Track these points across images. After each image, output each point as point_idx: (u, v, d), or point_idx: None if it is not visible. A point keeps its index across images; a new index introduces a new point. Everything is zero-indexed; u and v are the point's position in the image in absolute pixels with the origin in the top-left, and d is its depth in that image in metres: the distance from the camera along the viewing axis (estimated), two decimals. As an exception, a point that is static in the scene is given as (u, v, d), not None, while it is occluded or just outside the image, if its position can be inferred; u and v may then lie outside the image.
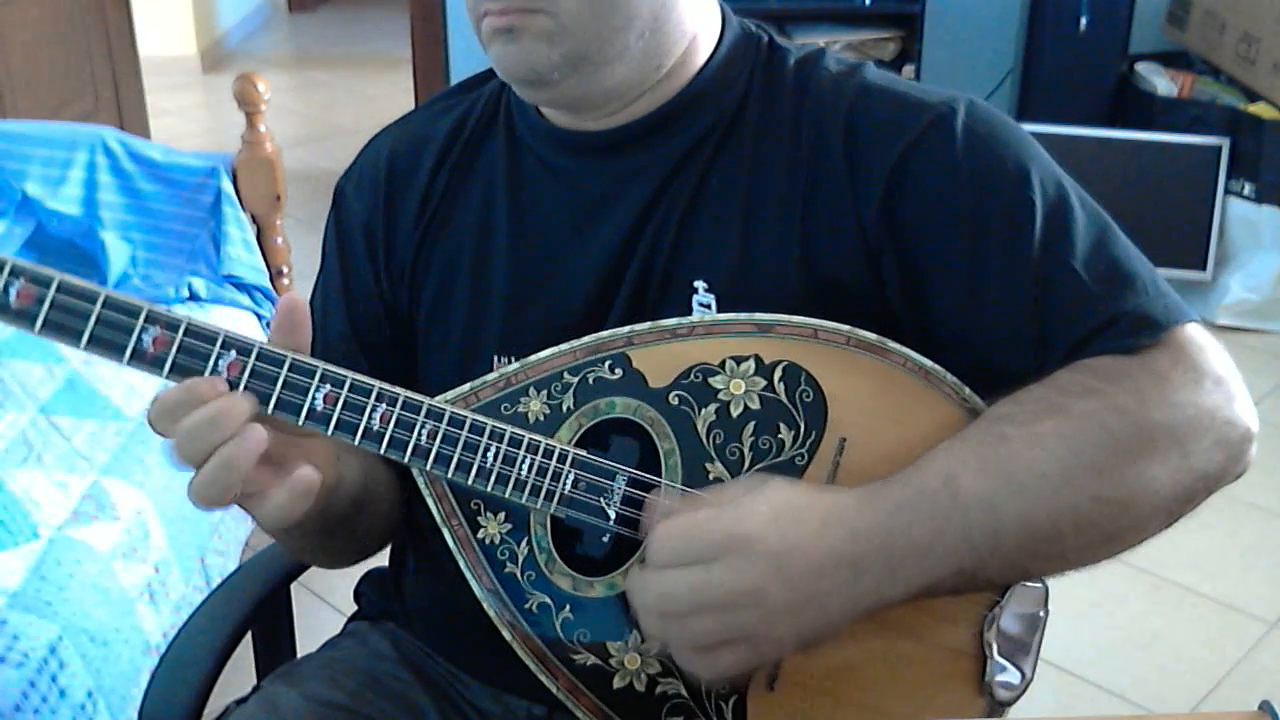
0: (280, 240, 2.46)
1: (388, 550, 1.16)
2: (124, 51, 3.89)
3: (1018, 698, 0.91)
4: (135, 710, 1.08)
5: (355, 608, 1.20)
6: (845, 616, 0.80)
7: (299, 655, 1.19)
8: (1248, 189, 3.19)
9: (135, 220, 2.40)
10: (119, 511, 1.72)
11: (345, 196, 1.08)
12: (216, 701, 1.08)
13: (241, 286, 2.37)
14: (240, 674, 1.16)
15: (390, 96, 5.13)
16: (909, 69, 3.46)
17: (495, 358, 0.98)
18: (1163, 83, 3.37)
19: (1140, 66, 3.47)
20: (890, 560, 0.80)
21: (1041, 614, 0.92)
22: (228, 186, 2.36)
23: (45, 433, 1.84)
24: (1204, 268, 3.24)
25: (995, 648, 0.89)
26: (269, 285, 2.41)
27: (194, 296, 2.30)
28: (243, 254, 2.36)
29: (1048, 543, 0.83)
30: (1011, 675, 0.91)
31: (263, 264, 2.41)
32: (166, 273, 2.38)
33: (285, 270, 2.48)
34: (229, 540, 1.99)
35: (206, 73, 5.57)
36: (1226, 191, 3.21)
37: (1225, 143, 3.18)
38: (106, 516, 1.70)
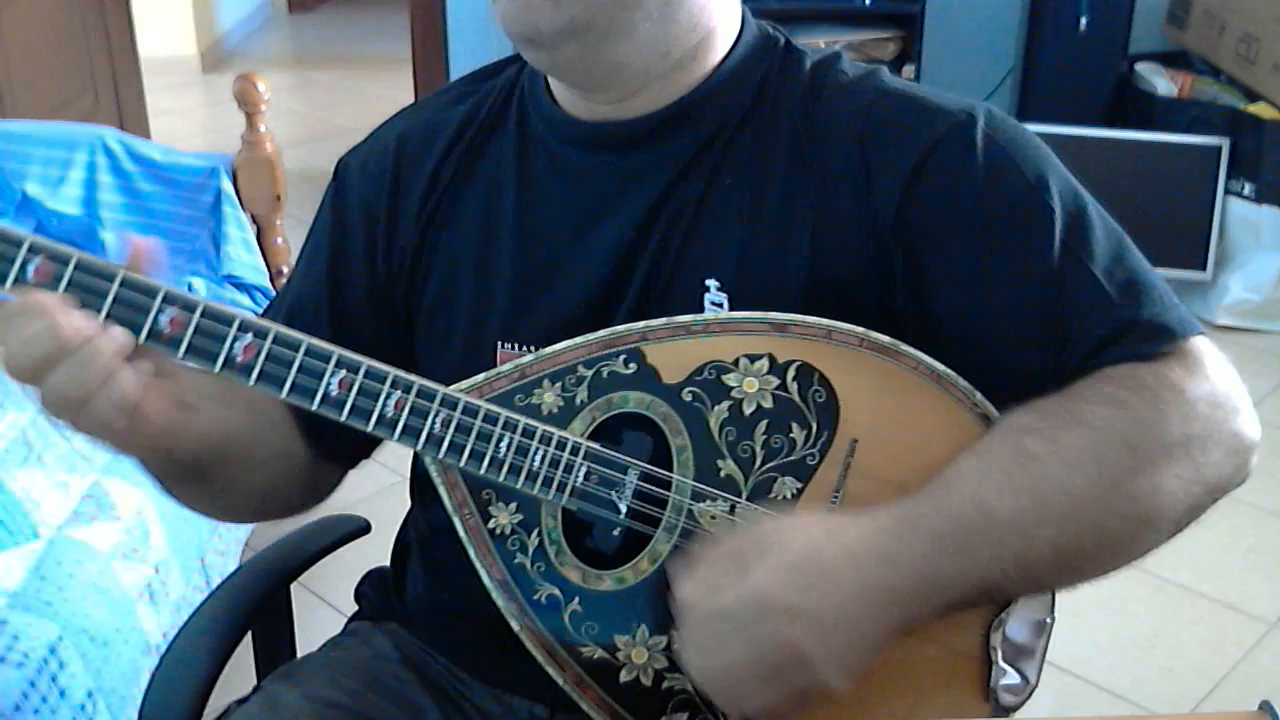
0: (280, 240, 2.46)
1: (389, 550, 1.16)
2: (124, 51, 3.89)
3: (1022, 703, 0.92)
4: (135, 710, 1.08)
5: (355, 608, 1.20)
6: (883, 640, 0.81)
7: (299, 655, 1.19)
8: (1248, 189, 3.19)
9: (135, 220, 2.40)
10: (119, 511, 1.72)
11: (348, 170, 1.07)
12: (216, 701, 1.08)
13: (242, 286, 2.37)
14: (240, 674, 1.16)
15: (390, 96, 5.12)
16: (909, 69, 3.46)
17: (499, 344, 0.98)
18: (1163, 83, 3.37)
19: (1140, 66, 3.47)
20: (920, 588, 0.80)
21: (1047, 620, 0.92)
22: (228, 186, 2.36)
23: (45, 433, 1.84)
24: (1204, 268, 3.23)
25: (1000, 653, 0.89)
26: (269, 285, 2.41)
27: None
28: (243, 254, 2.36)
29: (1072, 559, 0.83)
30: (1016, 680, 0.91)
31: (263, 264, 2.41)
32: (166, 273, 2.38)
33: (285, 270, 2.48)
34: (229, 540, 1.99)
35: (206, 73, 5.56)
36: (1226, 191, 3.21)
37: (1225, 143, 3.18)
38: (106, 516, 1.70)
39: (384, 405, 0.86)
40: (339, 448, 1.06)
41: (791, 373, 0.87)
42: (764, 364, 0.88)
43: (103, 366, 0.80)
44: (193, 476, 0.97)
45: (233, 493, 1.02)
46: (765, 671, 0.79)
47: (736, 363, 0.88)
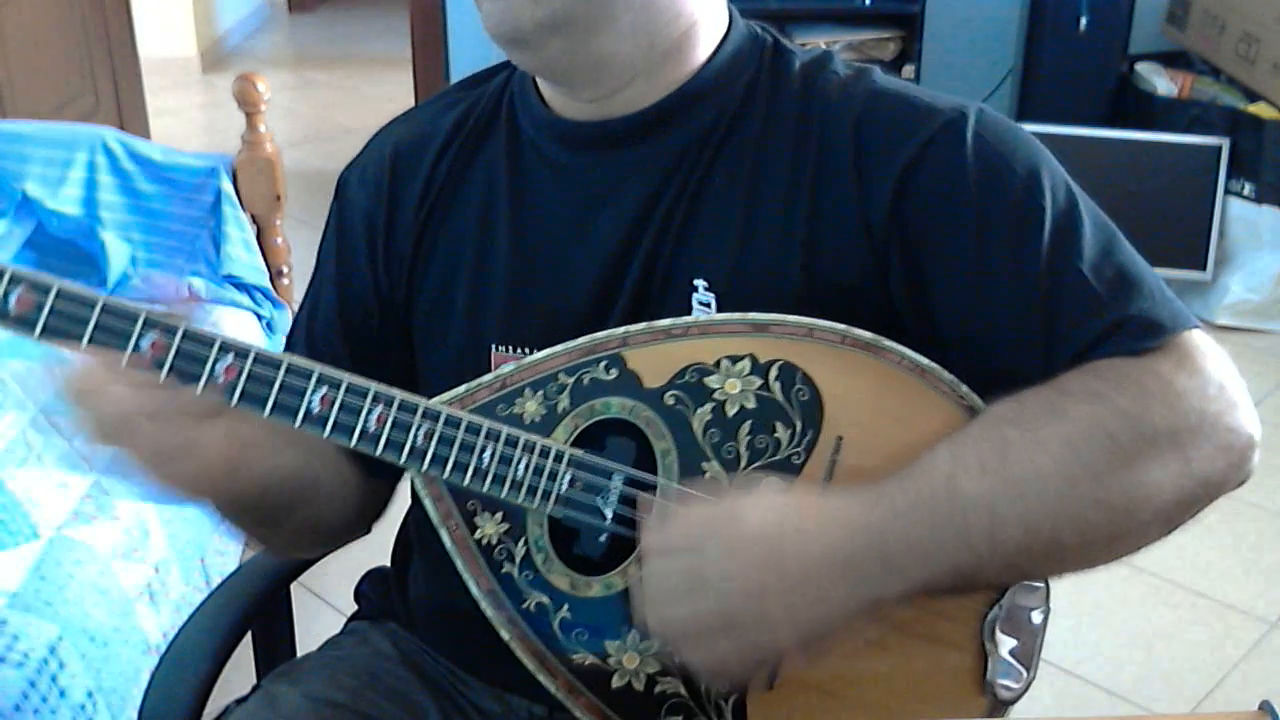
0: (280, 240, 2.46)
1: (389, 550, 1.16)
2: (124, 51, 3.89)
3: (1019, 697, 0.92)
4: (135, 710, 1.08)
5: (355, 608, 1.20)
6: (843, 614, 0.81)
7: (299, 655, 1.19)
8: (1248, 189, 3.19)
9: (135, 220, 2.40)
10: (119, 511, 1.72)
11: (348, 186, 1.08)
12: (216, 701, 1.08)
13: (241, 286, 2.37)
14: (240, 674, 1.16)
15: (390, 96, 5.12)
16: (909, 69, 3.46)
17: (493, 346, 0.98)
18: (1163, 83, 3.37)
19: (1140, 66, 3.47)
20: (887, 559, 0.80)
21: (1042, 613, 0.92)
22: (228, 186, 2.36)
23: (45, 433, 1.84)
24: (1204, 268, 3.23)
25: (996, 647, 0.89)
26: (269, 285, 2.41)
27: (194, 296, 2.30)
28: (243, 254, 2.36)
29: (1047, 545, 0.83)
30: (1012, 675, 0.91)
31: (263, 264, 2.41)
32: (166, 273, 2.38)
33: (285, 270, 2.48)
34: (229, 540, 1.98)
35: (206, 73, 5.56)
36: (1226, 191, 3.21)
37: (1225, 143, 3.18)
38: (106, 516, 1.70)
39: (366, 420, 0.86)
40: (380, 462, 1.07)
41: (774, 372, 0.87)
42: (745, 365, 0.88)
43: (192, 418, 0.83)
44: (267, 517, 0.99)
45: (306, 528, 1.04)
46: (725, 622, 0.79)
47: (718, 364, 0.88)
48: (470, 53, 3.92)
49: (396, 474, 1.09)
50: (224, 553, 1.94)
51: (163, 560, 1.74)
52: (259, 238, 2.42)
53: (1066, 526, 0.82)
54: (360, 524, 1.12)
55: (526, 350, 0.96)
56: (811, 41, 3.52)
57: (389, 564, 1.17)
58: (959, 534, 0.81)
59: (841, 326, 0.88)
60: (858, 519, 0.81)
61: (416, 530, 1.11)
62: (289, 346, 1.09)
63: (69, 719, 1.44)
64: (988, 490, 0.81)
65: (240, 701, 1.08)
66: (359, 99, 5.33)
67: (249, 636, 1.17)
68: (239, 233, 2.37)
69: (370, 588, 1.19)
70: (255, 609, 1.16)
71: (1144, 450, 0.82)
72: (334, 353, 1.01)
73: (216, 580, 1.77)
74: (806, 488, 0.84)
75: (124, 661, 1.54)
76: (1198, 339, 0.88)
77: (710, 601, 0.79)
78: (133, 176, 2.39)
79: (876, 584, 0.81)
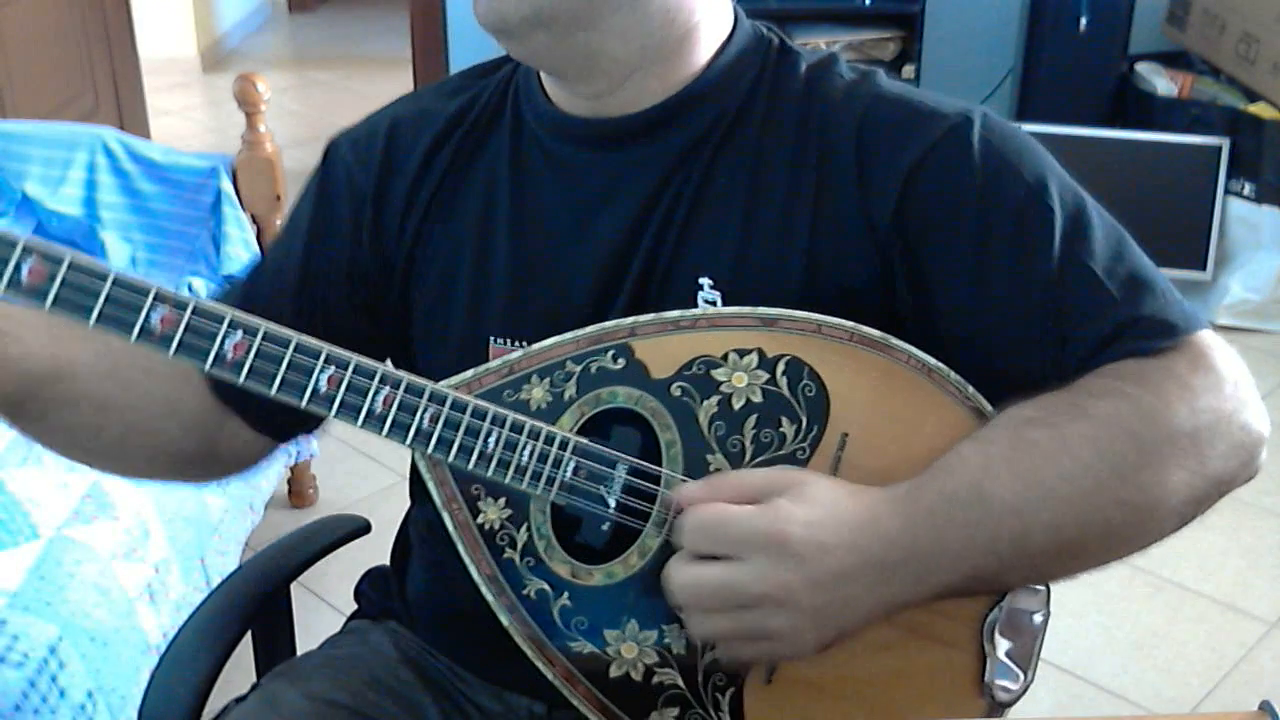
0: (280, 240, 2.45)
1: (389, 549, 1.16)
2: (124, 51, 3.89)
3: (1017, 699, 0.92)
4: (135, 710, 1.08)
5: (355, 607, 1.20)
6: (867, 618, 0.81)
7: (299, 655, 1.19)
8: (1248, 189, 3.19)
9: (135, 220, 2.40)
10: (119, 511, 1.72)
11: (338, 150, 1.07)
12: (216, 701, 1.08)
13: (241, 286, 2.37)
14: (240, 673, 1.16)
15: (390, 96, 5.10)
16: (909, 69, 3.47)
17: (491, 339, 0.98)
18: (1162, 83, 3.37)
19: (1140, 66, 3.47)
20: (918, 566, 0.80)
21: (1042, 615, 0.92)
22: (228, 186, 2.36)
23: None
24: (1204, 268, 3.24)
25: (996, 648, 0.89)
26: (269, 285, 2.41)
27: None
28: (243, 254, 2.36)
29: (1070, 547, 0.83)
30: (1011, 677, 0.91)
31: (263, 264, 2.41)
32: (166, 273, 2.38)
33: (285, 270, 2.48)
34: (229, 540, 1.99)
35: (206, 73, 5.57)
36: (1226, 191, 3.21)
37: (1225, 143, 3.18)
38: (106, 516, 1.70)
39: (373, 401, 0.86)
40: (257, 412, 1.03)
41: (781, 367, 0.88)
42: (753, 358, 0.88)
43: None
44: (19, 411, 0.94)
45: (76, 433, 0.98)
46: (742, 599, 0.79)
47: (725, 357, 0.88)
48: (470, 53, 3.91)
49: (272, 430, 1.06)
50: (224, 553, 1.94)
51: (163, 560, 1.74)
52: (259, 238, 2.42)
53: (1091, 527, 0.83)
54: (200, 464, 1.05)
55: (526, 344, 0.96)
56: (812, 41, 3.53)
57: (389, 563, 1.17)
58: (988, 539, 0.81)
59: (850, 324, 0.88)
60: (893, 527, 0.81)
61: (416, 529, 1.11)
62: (238, 290, 1.06)
63: (69, 719, 1.44)
64: (1017, 494, 0.81)
65: (240, 700, 1.08)
66: (359, 99, 5.33)
67: (249, 636, 1.17)
68: (239, 233, 2.37)
69: (370, 587, 1.19)
70: (255, 609, 1.16)
71: (1165, 450, 0.83)
72: (273, 301, 0.99)
73: (216, 580, 1.77)
74: (844, 486, 0.84)
75: (124, 661, 1.54)
76: (1209, 339, 0.89)
77: (741, 618, 0.79)
78: (133, 176, 2.39)
79: (904, 590, 0.81)
